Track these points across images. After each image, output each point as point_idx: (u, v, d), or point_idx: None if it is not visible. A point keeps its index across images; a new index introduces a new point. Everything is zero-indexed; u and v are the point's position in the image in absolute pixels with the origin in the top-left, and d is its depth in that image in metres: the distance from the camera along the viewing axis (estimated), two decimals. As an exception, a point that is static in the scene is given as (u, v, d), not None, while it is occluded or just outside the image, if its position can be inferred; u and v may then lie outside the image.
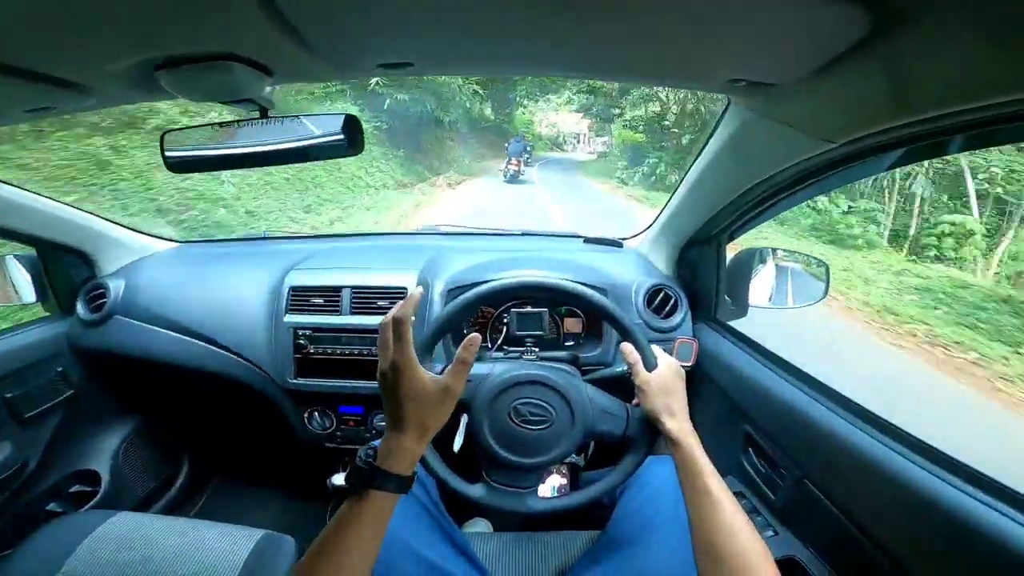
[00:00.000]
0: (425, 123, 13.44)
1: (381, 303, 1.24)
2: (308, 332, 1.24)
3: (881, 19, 0.45)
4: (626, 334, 0.83)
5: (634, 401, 0.83)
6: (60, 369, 1.35)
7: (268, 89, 0.69)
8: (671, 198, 1.26)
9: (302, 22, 0.50)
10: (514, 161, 14.01)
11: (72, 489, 1.41)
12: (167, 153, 0.75)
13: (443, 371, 0.63)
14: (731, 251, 1.27)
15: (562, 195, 12.54)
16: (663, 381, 0.77)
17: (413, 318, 0.61)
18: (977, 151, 6.76)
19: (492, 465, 0.83)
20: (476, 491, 0.83)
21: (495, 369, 0.84)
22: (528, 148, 16.83)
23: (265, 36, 0.52)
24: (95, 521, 0.96)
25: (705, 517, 0.64)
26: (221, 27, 0.51)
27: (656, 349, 0.84)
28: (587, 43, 0.59)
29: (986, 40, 0.43)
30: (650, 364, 0.80)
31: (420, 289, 0.65)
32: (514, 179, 13.92)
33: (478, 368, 0.83)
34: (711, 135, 0.94)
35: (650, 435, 0.81)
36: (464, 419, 0.86)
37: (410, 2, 0.48)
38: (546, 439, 0.80)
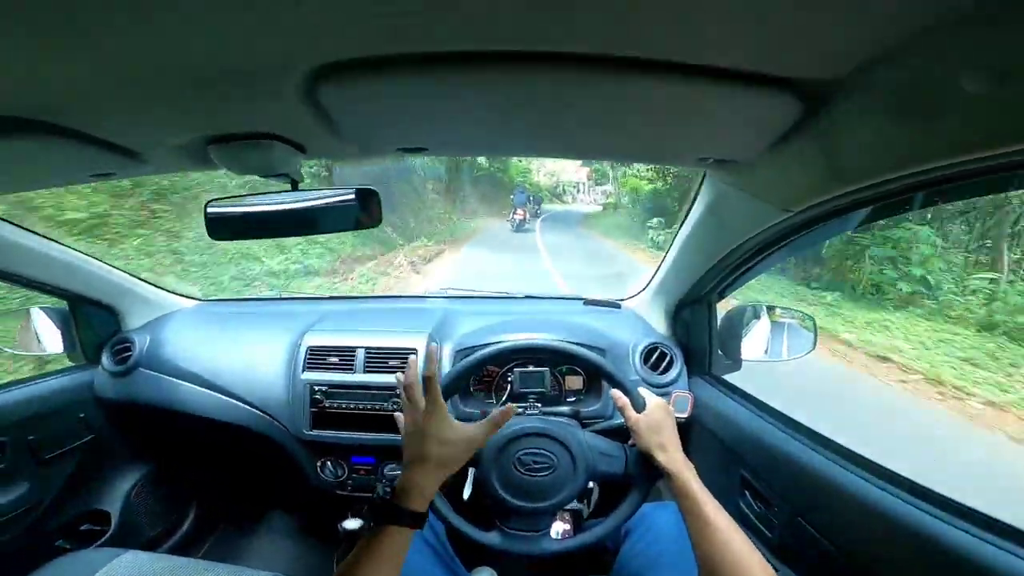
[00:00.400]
0: (399, 169, 10.34)
1: (392, 362, 1.31)
2: (324, 388, 1.31)
3: (807, 106, 0.54)
4: (612, 380, 0.91)
5: (629, 442, 0.89)
6: (82, 415, 1.41)
7: (299, 165, 0.79)
8: (663, 261, 1.34)
9: (335, 112, 0.60)
10: (519, 211, 14.40)
11: (82, 528, 1.44)
12: (209, 216, 0.83)
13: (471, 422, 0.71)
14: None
15: (575, 268, 8.80)
16: (652, 420, 0.83)
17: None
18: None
19: (503, 512, 0.89)
20: (491, 538, 0.88)
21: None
22: (534, 199, 17.12)
23: (303, 121, 0.62)
24: (103, 559, 0.98)
25: (706, 543, 0.67)
26: (268, 112, 0.60)
27: (643, 391, 0.91)
28: (576, 132, 0.70)
29: (891, 121, 0.51)
30: (638, 405, 0.87)
31: (435, 346, 0.74)
32: (520, 228, 14.32)
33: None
34: (692, 203, 1.04)
35: (649, 471, 0.86)
36: (472, 471, 0.91)
37: (424, 101, 0.58)
38: (550, 484, 0.87)
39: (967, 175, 0.51)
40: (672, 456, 0.78)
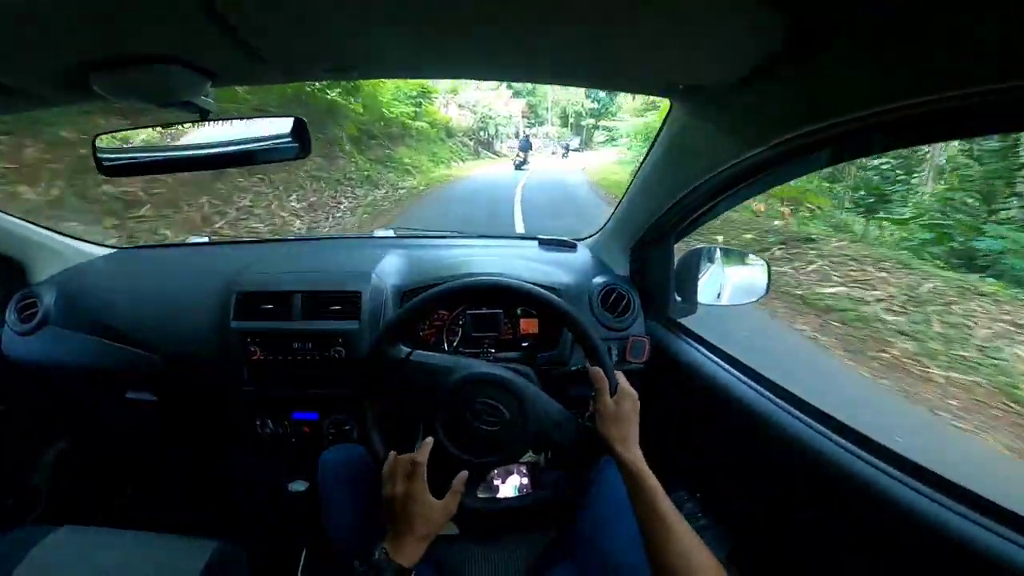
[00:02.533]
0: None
1: (334, 307, 1.21)
2: (259, 338, 1.20)
3: (791, 34, 0.49)
4: (594, 355, 0.86)
5: (587, 415, 0.87)
6: None
7: (208, 91, 0.67)
8: (622, 199, 1.30)
9: (247, 28, 0.50)
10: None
11: (9, 502, 1.34)
12: (100, 156, 0.71)
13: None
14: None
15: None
16: (621, 411, 0.80)
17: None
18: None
19: (448, 463, 0.84)
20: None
21: (459, 364, 0.87)
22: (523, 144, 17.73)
23: (208, 40, 0.51)
24: (36, 536, 0.91)
25: (659, 540, 0.68)
26: (158, 27, 0.49)
27: (620, 376, 0.87)
28: (531, 49, 0.62)
29: (877, 54, 0.48)
30: (612, 389, 0.83)
31: (430, 440, 0.79)
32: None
33: (441, 360, 0.86)
34: (656, 138, 0.98)
35: (594, 451, 0.84)
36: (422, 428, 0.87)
37: (354, 10, 0.48)
38: (497, 438, 0.82)
39: (957, 112, 0.48)
40: (632, 451, 0.77)
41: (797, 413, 0.85)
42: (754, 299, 1.26)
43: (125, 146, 0.71)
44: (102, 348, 1.27)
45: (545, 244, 1.54)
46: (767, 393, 0.93)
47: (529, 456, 0.95)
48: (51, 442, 1.47)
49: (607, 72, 0.74)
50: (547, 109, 37.89)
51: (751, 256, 1.30)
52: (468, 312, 1.30)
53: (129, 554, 0.90)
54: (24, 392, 1.37)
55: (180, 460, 1.78)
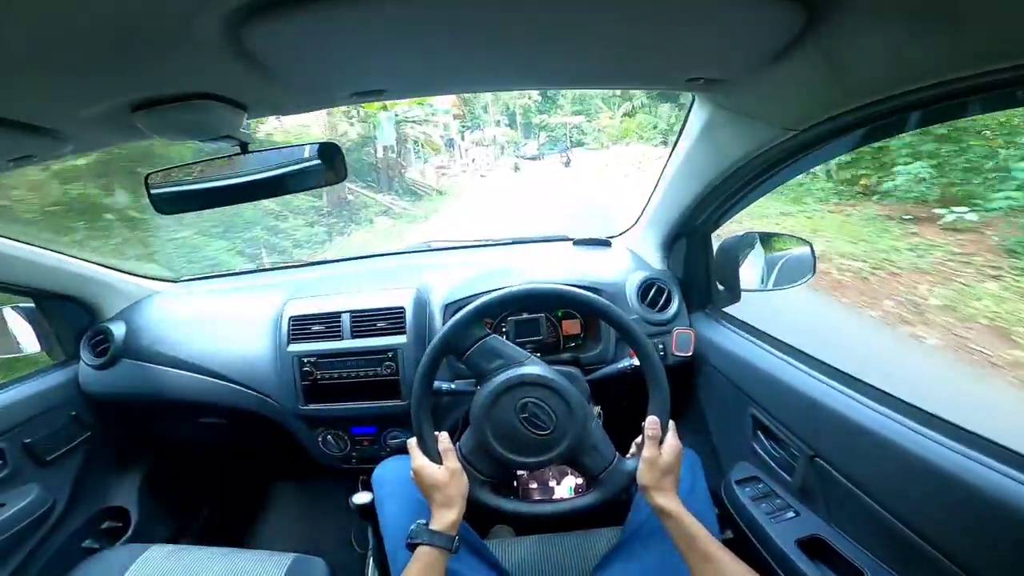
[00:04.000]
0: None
1: (380, 324, 1.26)
2: (313, 359, 1.25)
3: (811, 15, 0.47)
4: (617, 324, 0.88)
5: (629, 454, 0.87)
6: (73, 413, 1.37)
7: (246, 124, 0.71)
8: (653, 192, 1.28)
9: (270, 59, 0.52)
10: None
11: (104, 526, 1.44)
12: (152, 193, 0.76)
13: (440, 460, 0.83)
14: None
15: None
16: (666, 463, 0.80)
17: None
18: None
19: (499, 468, 0.85)
20: (504, 503, 0.86)
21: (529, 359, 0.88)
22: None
23: (235, 74, 0.54)
24: (132, 555, 0.98)
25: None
26: (191, 67, 0.52)
27: (671, 430, 0.86)
28: (552, 56, 0.62)
29: (906, 29, 0.45)
30: (663, 440, 0.83)
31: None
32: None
33: (513, 349, 0.88)
34: (682, 129, 0.96)
35: (618, 492, 0.84)
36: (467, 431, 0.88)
37: (377, 35, 0.50)
38: (544, 443, 0.83)
39: (989, 87, 0.46)
40: (672, 500, 0.77)
41: (860, 397, 0.81)
42: (801, 282, 1.21)
43: (173, 181, 0.75)
44: (172, 378, 1.36)
45: (579, 243, 1.54)
46: (824, 377, 0.89)
47: None
48: (133, 466, 1.56)
49: (629, 72, 0.74)
50: (484, 108, 30.81)
51: (793, 238, 1.25)
52: (510, 318, 1.30)
53: (215, 569, 0.95)
54: (105, 421, 1.46)
55: (252, 478, 1.87)
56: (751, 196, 1.03)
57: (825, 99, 0.64)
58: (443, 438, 0.85)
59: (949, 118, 0.61)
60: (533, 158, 28.14)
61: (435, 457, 0.84)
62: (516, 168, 23.11)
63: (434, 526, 0.77)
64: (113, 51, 0.46)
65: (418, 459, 0.84)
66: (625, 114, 25.52)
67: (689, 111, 0.92)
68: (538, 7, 0.47)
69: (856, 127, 0.66)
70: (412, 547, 0.76)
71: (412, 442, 0.86)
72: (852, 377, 0.87)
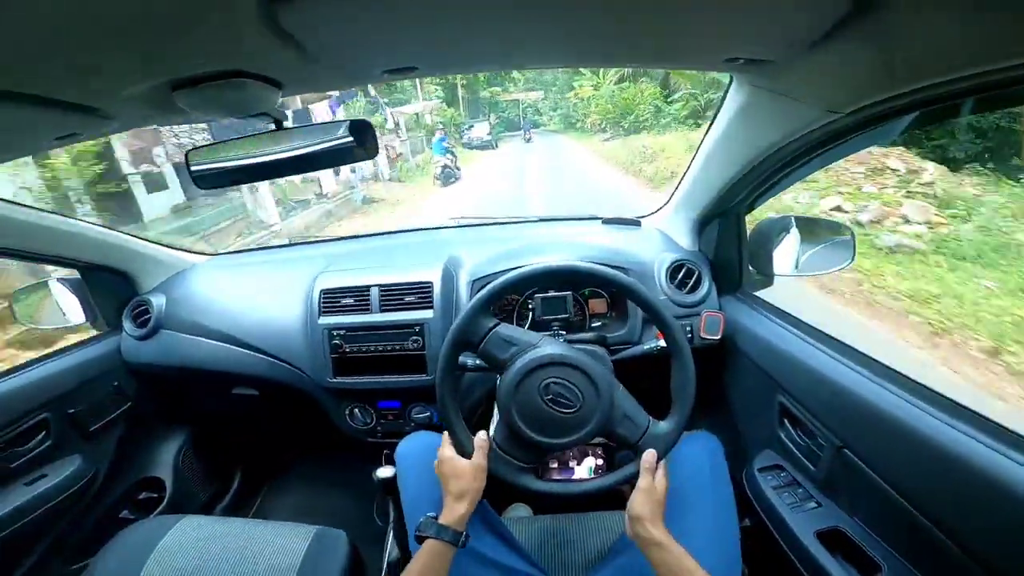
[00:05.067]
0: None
1: (408, 298, 1.27)
2: (342, 332, 1.28)
3: None
4: (644, 304, 0.85)
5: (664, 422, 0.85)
6: (116, 383, 1.43)
7: (281, 101, 0.72)
8: (686, 173, 1.25)
9: (305, 36, 0.52)
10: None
11: (140, 496, 1.51)
12: (193, 170, 0.78)
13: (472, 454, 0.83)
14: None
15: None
16: (660, 492, 0.79)
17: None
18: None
19: (526, 448, 0.84)
20: (527, 480, 0.85)
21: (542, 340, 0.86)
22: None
23: (271, 52, 0.54)
24: (165, 526, 1.02)
25: None
26: (229, 46, 0.53)
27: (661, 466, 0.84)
28: (588, 33, 0.61)
29: (961, 12, 0.43)
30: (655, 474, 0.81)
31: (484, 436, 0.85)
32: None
33: (524, 334, 0.86)
34: (718, 109, 0.93)
35: (662, 455, 0.82)
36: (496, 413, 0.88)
37: (409, 11, 0.49)
38: (570, 422, 0.81)
39: None
40: (660, 528, 0.76)
41: (894, 388, 0.78)
42: (838, 267, 1.17)
43: (212, 158, 0.77)
44: (209, 348, 1.41)
45: (608, 222, 1.52)
46: (858, 367, 0.86)
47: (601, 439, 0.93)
48: (169, 438, 1.63)
49: (665, 50, 0.71)
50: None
51: (833, 223, 1.21)
52: (537, 295, 1.30)
53: (244, 540, 0.99)
54: (146, 391, 1.53)
55: (279, 452, 1.94)
56: (788, 179, 1.00)
57: (871, 82, 0.61)
58: (480, 438, 0.85)
59: (1001, 106, 0.57)
60: (482, 146, 20.82)
61: (466, 450, 0.84)
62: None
63: (443, 519, 0.77)
64: (153, 30, 0.46)
65: (448, 449, 0.85)
66: (621, 80, 18.42)
67: (726, 91, 0.88)
68: None
69: (903, 112, 0.63)
70: (420, 539, 0.76)
71: (446, 435, 0.87)
72: (885, 366, 0.84)
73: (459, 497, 0.79)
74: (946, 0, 0.44)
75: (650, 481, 0.79)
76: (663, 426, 0.83)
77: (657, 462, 0.81)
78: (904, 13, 0.47)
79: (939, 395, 0.74)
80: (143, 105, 0.66)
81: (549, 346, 0.84)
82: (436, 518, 0.78)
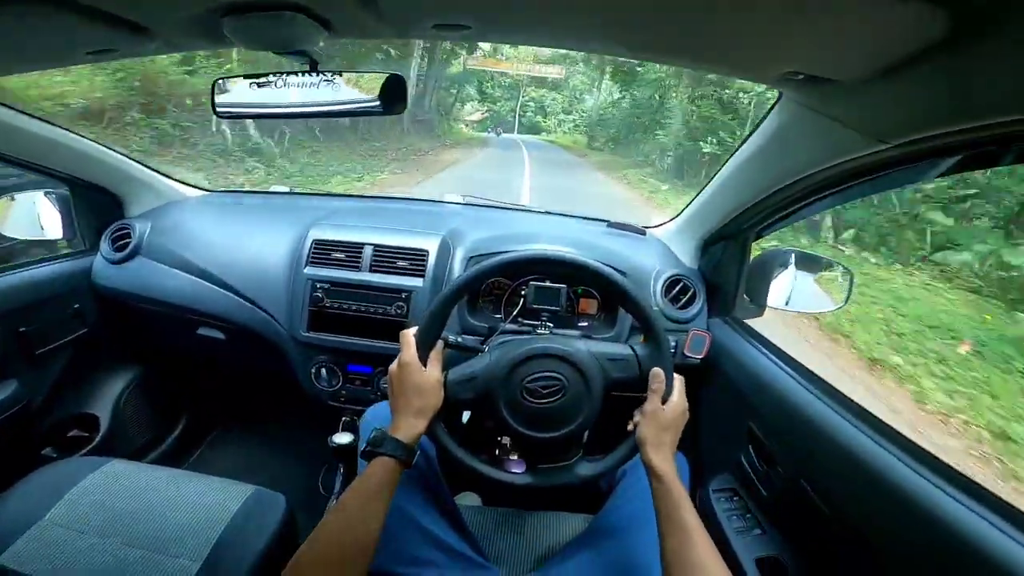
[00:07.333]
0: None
1: (401, 263, 1.24)
2: (326, 286, 1.24)
3: (961, 22, 0.43)
4: (660, 358, 0.81)
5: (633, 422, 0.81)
6: (76, 306, 1.36)
7: (321, 43, 0.69)
8: (702, 190, 1.25)
9: None
10: None
11: (70, 433, 1.42)
12: (217, 99, 0.75)
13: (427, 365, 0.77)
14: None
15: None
16: (668, 418, 0.76)
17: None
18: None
19: (521, 446, 0.83)
20: (524, 478, 0.81)
21: (498, 355, 0.82)
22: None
23: None
24: (86, 468, 0.95)
25: (677, 548, 0.66)
26: None
27: (677, 382, 0.81)
28: (642, 21, 0.58)
29: None
30: (667, 396, 0.79)
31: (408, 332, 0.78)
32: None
33: (477, 361, 0.82)
34: (755, 127, 0.92)
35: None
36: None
37: None
38: (565, 409, 0.79)
39: None
40: (665, 458, 0.73)
41: (863, 427, 0.80)
42: (828, 309, 1.20)
43: (240, 91, 0.74)
44: (182, 282, 1.35)
45: (613, 226, 1.52)
46: (831, 403, 0.88)
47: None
48: (117, 374, 1.55)
49: (715, 54, 0.68)
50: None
51: (834, 263, 1.23)
52: (532, 283, 1.29)
53: (171, 490, 0.93)
54: (105, 320, 1.46)
55: (232, 406, 1.87)
56: (810, 209, 0.99)
57: (933, 115, 0.59)
58: (437, 349, 0.78)
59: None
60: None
61: (425, 360, 0.77)
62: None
63: (399, 435, 0.71)
64: None
65: (409, 352, 0.76)
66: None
67: (770, 110, 0.87)
68: None
69: (950, 152, 0.62)
70: (369, 456, 0.70)
71: (410, 331, 0.79)
72: (861, 407, 0.85)
73: (420, 413, 0.74)
74: None
75: (656, 404, 0.77)
76: (650, 345, 0.82)
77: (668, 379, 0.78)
78: (992, 47, 0.45)
79: (907, 439, 0.75)
80: (189, 27, 0.63)
81: (505, 352, 0.81)
82: (384, 432, 0.72)
